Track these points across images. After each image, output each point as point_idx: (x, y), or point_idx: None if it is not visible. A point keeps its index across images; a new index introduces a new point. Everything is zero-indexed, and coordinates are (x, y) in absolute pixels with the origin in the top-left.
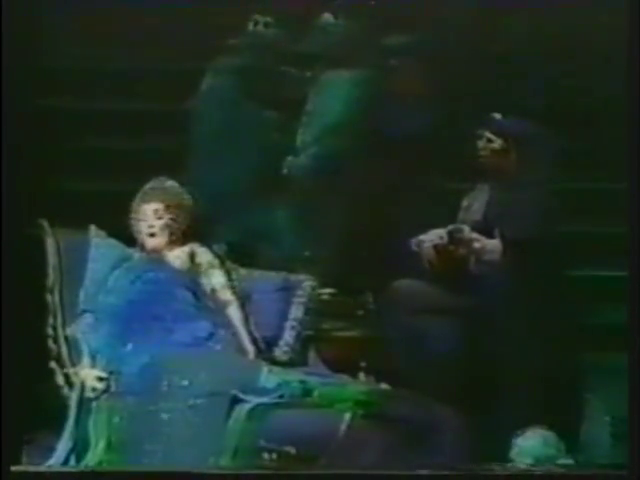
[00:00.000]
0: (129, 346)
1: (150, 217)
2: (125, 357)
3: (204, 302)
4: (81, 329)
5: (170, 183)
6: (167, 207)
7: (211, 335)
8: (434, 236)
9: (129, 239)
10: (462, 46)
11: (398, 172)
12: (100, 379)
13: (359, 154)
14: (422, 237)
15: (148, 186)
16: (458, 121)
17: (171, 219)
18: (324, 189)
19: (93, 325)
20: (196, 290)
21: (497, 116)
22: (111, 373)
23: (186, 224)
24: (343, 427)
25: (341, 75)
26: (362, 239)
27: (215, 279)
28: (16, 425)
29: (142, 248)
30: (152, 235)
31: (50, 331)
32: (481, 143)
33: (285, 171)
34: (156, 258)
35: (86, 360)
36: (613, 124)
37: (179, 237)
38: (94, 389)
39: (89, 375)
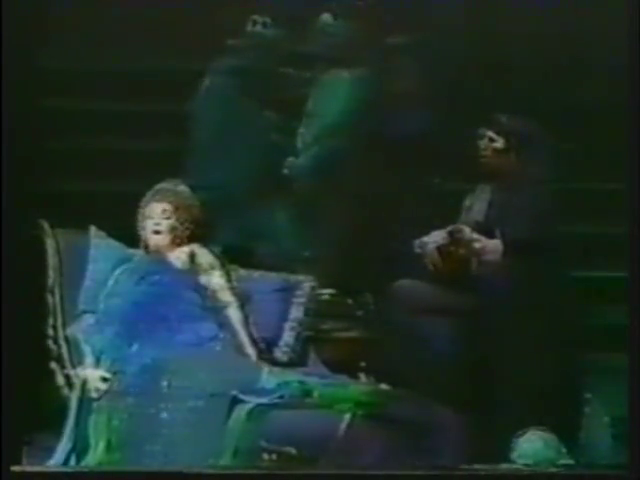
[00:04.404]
0: (134, 347)
1: (157, 216)
2: (130, 358)
3: (207, 302)
4: (82, 329)
5: (182, 187)
6: (175, 209)
7: (215, 335)
8: (437, 237)
9: (130, 240)
10: (462, 46)
11: (398, 172)
12: (104, 379)
13: (359, 154)
14: (425, 239)
15: (160, 186)
16: (459, 121)
17: (178, 221)
18: (324, 189)
19: (96, 326)
20: (199, 290)
21: (500, 116)
22: (115, 374)
23: (191, 229)
24: (343, 428)
25: (341, 75)
26: (362, 240)
27: (215, 280)
28: (16, 425)
29: (145, 246)
30: (157, 232)
31: (50, 331)
32: (483, 142)
33: (285, 171)
34: (158, 259)
35: (89, 360)
36: (613, 124)
37: (183, 240)
38: (97, 389)
39: (92, 375)
